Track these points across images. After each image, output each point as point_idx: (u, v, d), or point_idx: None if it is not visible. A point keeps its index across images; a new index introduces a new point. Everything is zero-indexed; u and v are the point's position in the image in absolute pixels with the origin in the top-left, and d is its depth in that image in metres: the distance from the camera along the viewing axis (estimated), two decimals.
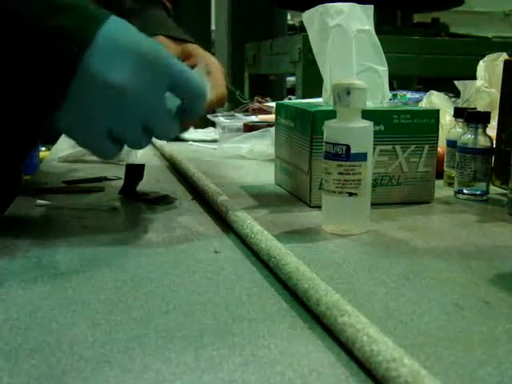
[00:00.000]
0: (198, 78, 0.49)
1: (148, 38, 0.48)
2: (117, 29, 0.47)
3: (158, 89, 0.47)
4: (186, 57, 0.65)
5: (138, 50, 0.46)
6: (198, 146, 1.14)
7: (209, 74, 0.61)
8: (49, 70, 0.45)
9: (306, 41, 1.79)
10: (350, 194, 0.54)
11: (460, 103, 0.92)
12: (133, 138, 0.49)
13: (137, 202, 0.66)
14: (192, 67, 0.60)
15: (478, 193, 0.71)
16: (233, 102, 1.67)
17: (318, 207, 0.59)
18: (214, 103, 0.60)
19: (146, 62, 0.46)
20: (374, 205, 0.57)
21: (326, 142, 0.55)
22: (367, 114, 0.56)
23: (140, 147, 0.50)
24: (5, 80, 0.46)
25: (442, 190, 0.74)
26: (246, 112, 1.51)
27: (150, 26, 0.65)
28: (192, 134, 1.18)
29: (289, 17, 3.57)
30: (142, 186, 0.68)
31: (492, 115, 0.71)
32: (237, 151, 1.02)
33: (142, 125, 0.48)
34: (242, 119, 1.39)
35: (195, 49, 0.67)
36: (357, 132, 0.54)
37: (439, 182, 0.75)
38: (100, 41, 0.45)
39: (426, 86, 2.25)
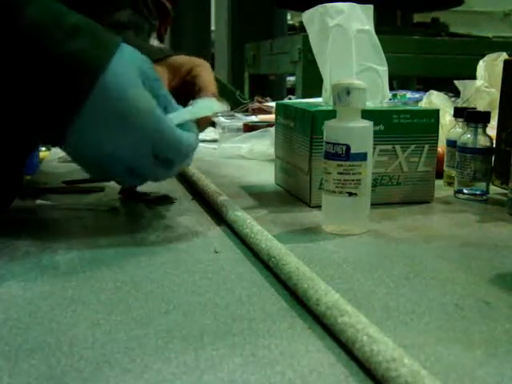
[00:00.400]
0: (179, 137, 0.51)
1: (142, 96, 0.49)
2: (115, 84, 0.48)
3: (143, 149, 0.50)
4: (174, 72, 0.66)
5: (126, 115, 0.48)
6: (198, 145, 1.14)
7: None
8: (49, 114, 0.47)
9: (305, 41, 1.80)
10: (350, 194, 0.54)
11: (460, 103, 0.92)
12: (122, 177, 0.54)
13: (137, 202, 0.66)
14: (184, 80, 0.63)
15: (477, 193, 0.71)
16: (233, 102, 1.68)
17: (318, 207, 0.59)
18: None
19: (132, 126, 0.48)
20: (373, 205, 0.57)
21: (326, 142, 0.55)
22: (367, 114, 0.56)
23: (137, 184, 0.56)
24: (14, 97, 0.48)
25: (441, 190, 0.74)
26: (246, 112, 1.52)
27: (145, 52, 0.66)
28: None
29: (289, 17, 3.58)
30: (142, 186, 0.68)
31: (492, 115, 0.71)
32: (237, 151, 1.02)
33: (129, 173, 0.51)
34: (241, 119, 1.39)
35: (180, 61, 0.67)
36: (357, 132, 0.54)
37: (439, 182, 0.75)
38: (93, 100, 0.47)
39: (425, 85, 2.26)
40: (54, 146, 0.52)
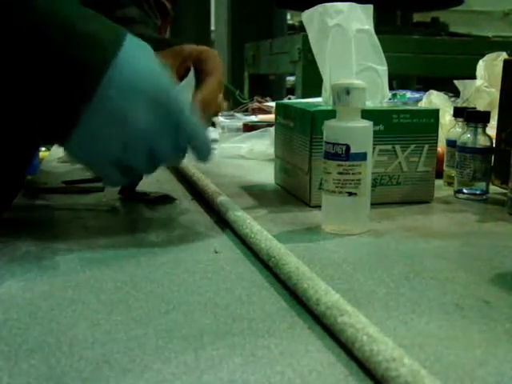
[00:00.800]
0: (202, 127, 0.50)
1: (162, 74, 0.49)
2: (132, 58, 0.47)
3: (167, 129, 0.48)
4: (181, 59, 0.65)
5: (152, 91, 0.47)
6: None
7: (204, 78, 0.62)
8: (62, 97, 0.46)
9: (305, 41, 1.79)
10: (350, 194, 0.54)
11: (460, 103, 0.92)
12: (139, 167, 0.51)
13: (137, 202, 0.66)
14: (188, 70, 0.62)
15: (477, 192, 0.71)
16: (233, 102, 1.68)
17: (318, 207, 0.59)
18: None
19: (159, 105, 0.47)
20: (373, 204, 0.57)
21: (326, 142, 0.55)
22: (367, 114, 0.56)
23: (146, 173, 0.53)
24: (19, 97, 0.47)
25: (441, 190, 0.74)
26: (246, 112, 1.52)
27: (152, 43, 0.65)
28: None
29: (288, 16, 3.57)
30: (142, 186, 0.68)
31: (492, 115, 0.71)
32: (237, 151, 1.02)
33: (149, 156, 0.49)
34: (241, 119, 1.39)
35: (187, 49, 0.66)
36: (356, 132, 0.54)
37: (439, 182, 0.75)
38: (114, 74, 0.46)
39: (425, 85, 2.25)
40: (59, 138, 0.49)
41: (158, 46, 0.57)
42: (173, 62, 0.63)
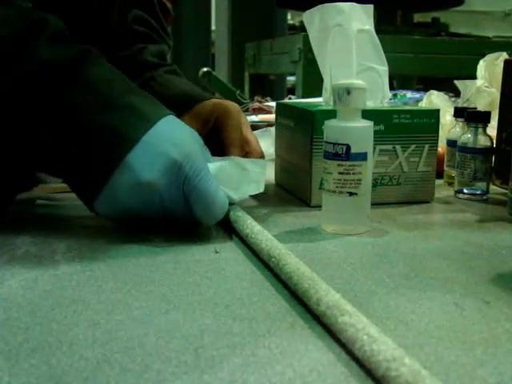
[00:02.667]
0: (212, 190, 0.51)
1: (184, 141, 0.51)
2: (163, 132, 0.50)
3: (179, 190, 0.50)
4: (202, 121, 0.67)
5: (171, 156, 0.49)
6: None
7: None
8: (93, 164, 0.50)
9: (306, 40, 1.79)
10: (350, 194, 0.54)
11: (460, 103, 0.92)
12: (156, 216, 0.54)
13: None
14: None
15: (478, 192, 0.71)
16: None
17: (318, 207, 0.59)
18: None
19: (175, 169, 0.49)
20: (374, 205, 0.57)
21: (326, 142, 0.55)
22: (367, 114, 0.56)
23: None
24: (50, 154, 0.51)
25: (442, 190, 0.74)
26: (246, 112, 1.51)
27: (174, 102, 0.67)
28: None
29: (289, 16, 3.58)
30: None
31: (492, 115, 0.71)
32: None
33: (164, 213, 0.52)
34: None
35: (208, 110, 0.68)
36: (357, 132, 0.54)
37: (439, 182, 0.75)
38: (143, 144, 0.49)
39: (426, 85, 2.26)
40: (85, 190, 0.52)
41: (179, 105, 0.59)
42: (195, 124, 0.66)
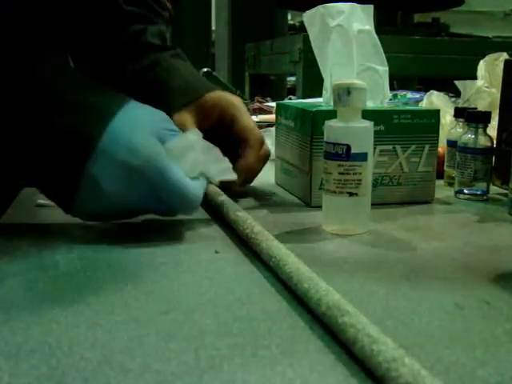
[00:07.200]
0: (185, 188, 0.51)
1: (142, 143, 0.50)
2: (120, 134, 0.49)
3: (147, 192, 0.50)
4: (205, 114, 0.67)
5: (131, 164, 0.49)
6: None
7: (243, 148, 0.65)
8: (60, 172, 0.50)
9: (306, 41, 1.79)
10: (351, 194, 0.54)
11: (460, 103, 0.91)
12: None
13: None
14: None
15: (478, 193, 0.71)
16: None
17: (318, 207, 0.59)
18: (241, 184, 0.64)
19: (137, 176, 0.49)
20: (374, 205, 0.57)
21: (326, 142, 0.55)
22: (367, 114, 0.56)
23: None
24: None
25: (442, 190, 0.74)
26: None
27: (177, 92, 0.67)
28: None
29: (289, 17, 3.57)
30: None
31: (492, 115, 0.71)
32: None
33: (139, 212, 0.54)
34: None
35: (212, 103, 0.67)
36: (357, 132, 0.54)
37: (439, 182, 0.75)
38: (100, 152, 0.49)
39: (426, 85, 2.25)
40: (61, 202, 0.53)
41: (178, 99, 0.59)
42: (197, 117, 0.65)
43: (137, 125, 0.51)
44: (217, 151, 0.55)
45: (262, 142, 0.67)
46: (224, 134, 0.65)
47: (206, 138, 0.55)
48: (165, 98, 0.56)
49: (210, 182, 0.55)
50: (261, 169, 0.69)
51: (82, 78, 0.53)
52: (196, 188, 0.52)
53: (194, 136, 0.53)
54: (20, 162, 0.50)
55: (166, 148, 0.51)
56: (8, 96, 0.49)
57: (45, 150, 0.49)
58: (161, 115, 0.54)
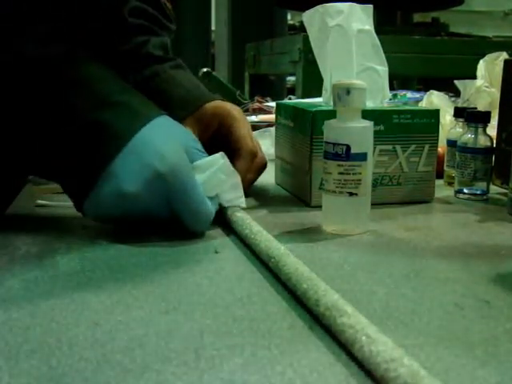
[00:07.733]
0: (198, 202, 0.51)
1: (171, 152, 0.50)
2: (150, 139, 0.50)
3: (164, 200, 0.51)
4: (205, 125, 0.67)
5: (156, 169, 0.49)
6: None
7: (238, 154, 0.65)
8: (81, 166, 0.50)
9: (306, 41, 1.79)
10: (350, 194, 0.54)
11: (460, 103, 0.92)
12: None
13: None
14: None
15: (478, 192, 0.71)
16: (233, 102, 1.67)
17: (318, 207, 0.59)
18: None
19: (159, 181, 0.49)
20: (374, 205, 0.57)
21: (326, 142, 0.55)
22: (367, 114, 0.56)
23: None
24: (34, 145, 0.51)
25: (442, 190, 0.74)
26: (246, 112, 1.51)
27: (177, 104, 0.67)
28: None
29: (289, 17, 3.57)
30: None
31: (492, 115, 0.71)
32: None
33: (148, 219, 0.53)
34: None
35: (211, 113, 0.68)
36: (357, 132, 0.54)
37: (439, 182, 0.75)
38: (128, 152, 0.49)
39: (426, 85, 2.25)
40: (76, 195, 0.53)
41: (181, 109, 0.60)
42: (197, 129, 0.66)
43: (169, 135, 0.52)
44: (238, 178, 0.56)
45: (254, 153, 0.66)
46: (222, 143, 0.65)
47: (205, 147, 0.56)
48: (164, 110, 0.57)
49: (220, 205, 0.56)
50: (255, 179, 0.69)
51: (122, 81, 0.54)
52: (210, 208, 0.53)
53: (222, 159, 0.54)
54: (43, 151, 0.50)
55: (193, 164, 0.52)
56: (47, 89, 0.49)
57: (73, 139, 0.49)
58: (191, 135, 0.56)
